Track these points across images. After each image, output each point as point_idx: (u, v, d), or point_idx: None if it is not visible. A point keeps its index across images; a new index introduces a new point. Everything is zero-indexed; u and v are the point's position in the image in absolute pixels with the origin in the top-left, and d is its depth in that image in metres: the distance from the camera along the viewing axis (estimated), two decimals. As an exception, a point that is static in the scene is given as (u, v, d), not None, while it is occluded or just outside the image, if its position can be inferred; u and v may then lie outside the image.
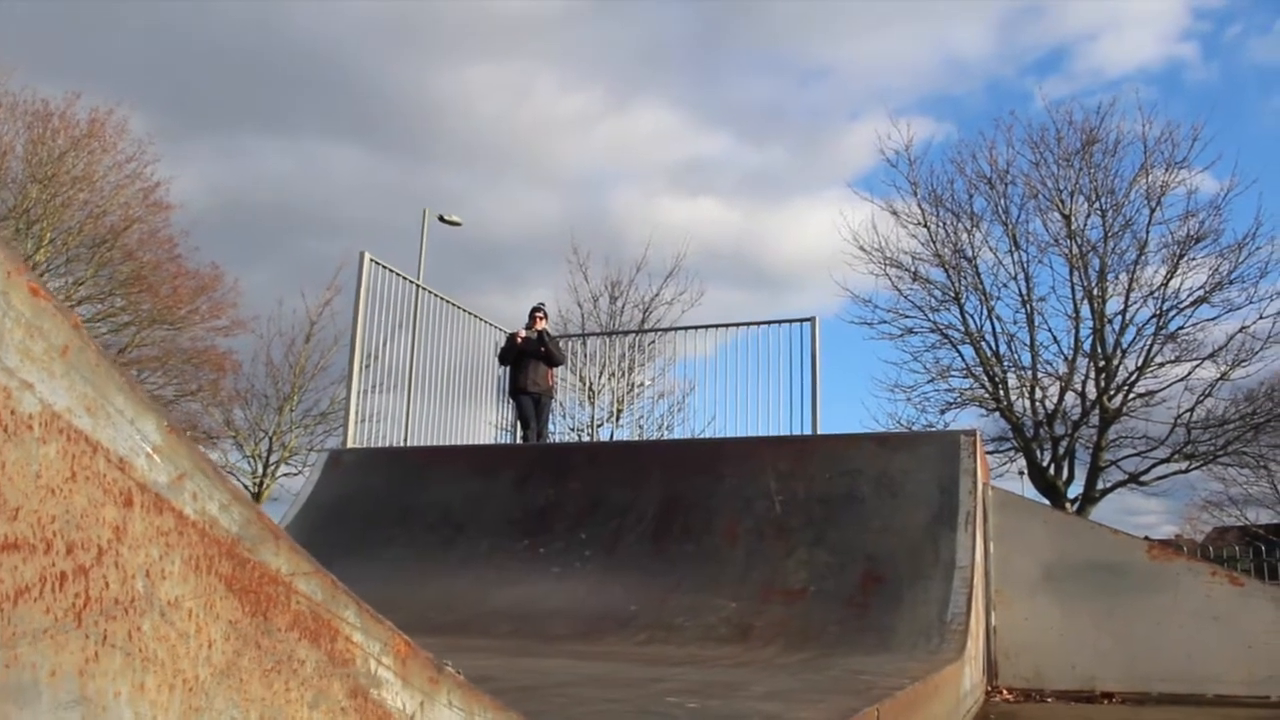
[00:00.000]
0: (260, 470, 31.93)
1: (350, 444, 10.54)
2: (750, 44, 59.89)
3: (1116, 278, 22.40)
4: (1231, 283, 21.40)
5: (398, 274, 11.20)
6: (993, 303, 22.96)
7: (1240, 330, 21.19)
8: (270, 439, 31.84)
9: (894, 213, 23.48)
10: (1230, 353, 21.26)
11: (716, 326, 13.01)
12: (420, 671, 0.94)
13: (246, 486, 32.31)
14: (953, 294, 22.96)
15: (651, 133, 62.97)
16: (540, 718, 2.46)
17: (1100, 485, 22.49)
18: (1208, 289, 21.54)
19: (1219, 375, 21.41)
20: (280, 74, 56.02)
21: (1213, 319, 21.72)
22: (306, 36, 55.62)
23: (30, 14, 35.37)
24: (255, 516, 0.80)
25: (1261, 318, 20.98)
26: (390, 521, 8.62)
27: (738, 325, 12.72)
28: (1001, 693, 7.30)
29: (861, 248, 23.27)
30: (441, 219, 27.85)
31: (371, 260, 10.68)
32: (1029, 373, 22.71)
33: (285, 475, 31.47)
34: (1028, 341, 22.77)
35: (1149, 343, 21.98)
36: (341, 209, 54.10)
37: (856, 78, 59.22)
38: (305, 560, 0.84)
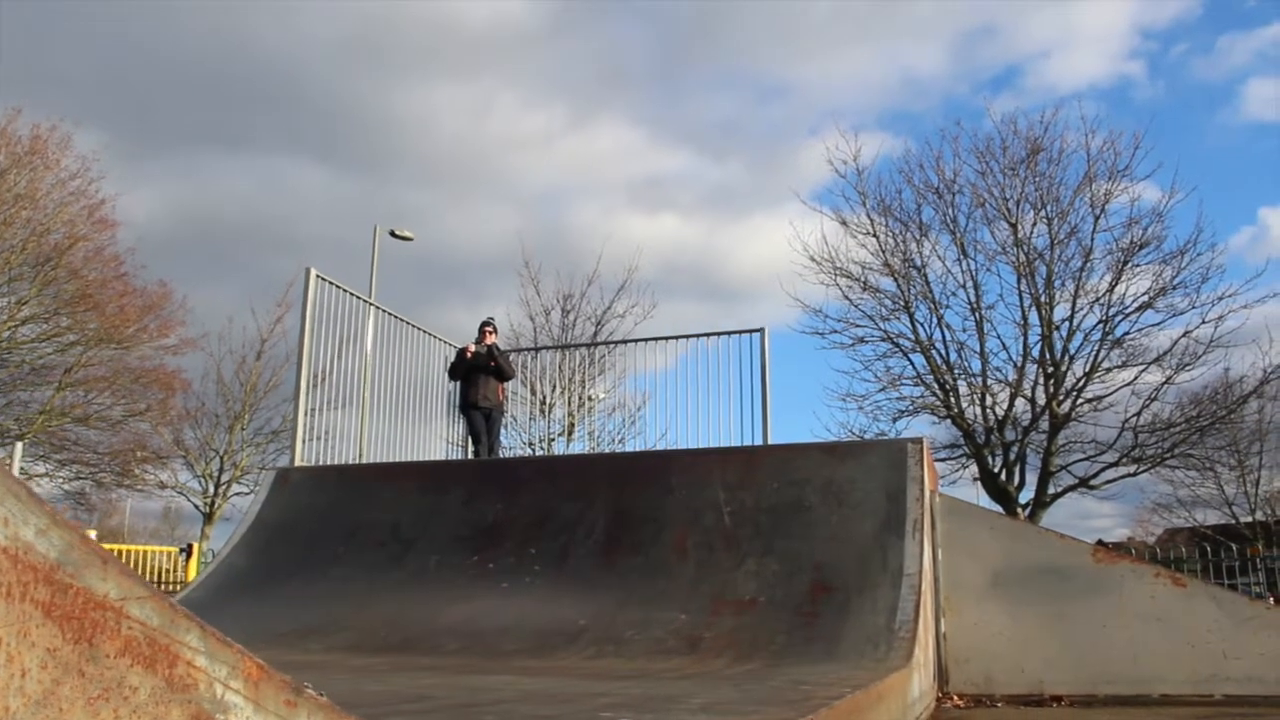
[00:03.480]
0: (211, 490, 31.52)
1: (298, 462, 10.41)
2: (711, 62, 60.45)
3: (1063, 285, 22.72)
4: (1174, 288, 21.78)
5: (346, 290, 11.09)
6: (942, 311, 23.20)
7: (1184, 335, 21.56)
8: (221, 458, 31.45)
9: (843, 223, 23.66)
10: (1174, 357, 21.61)
11: (667, 339, 13.03)
12: (275, 695, 0.92)
13: (197, 506, 31.88)
14: (903, 303, 23.15)
15: (612, 150, 63.34)
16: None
17: (1051, 490, 22.73)
18: (1151, 295, 21.90)
19: (1164, 379, 21.76)
20: (243, 91, 55.84)
21: (1157, 324, 22.10)
22: (271, 54, 55.49)
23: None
24: (79, 541, 0.77)
25: (1204, 322, 21.36)
26: (338, 539, 8.53)
27: (688, 337, 12.74)
28: (952, 699, 7.33)
29: (812, 258, 23.41)
30: (393, 234, 27.68)
31: (318, 276, 10.57)
32: (979, 380, 22.95)
33: (237, 494, 31.13)
34: (977, 349, 23.01)
35: (1096, 348, 22.29)
36: (304, 226, 54.00)
37: (816, 95, 59.97)
38: (139, 585, 0.81)
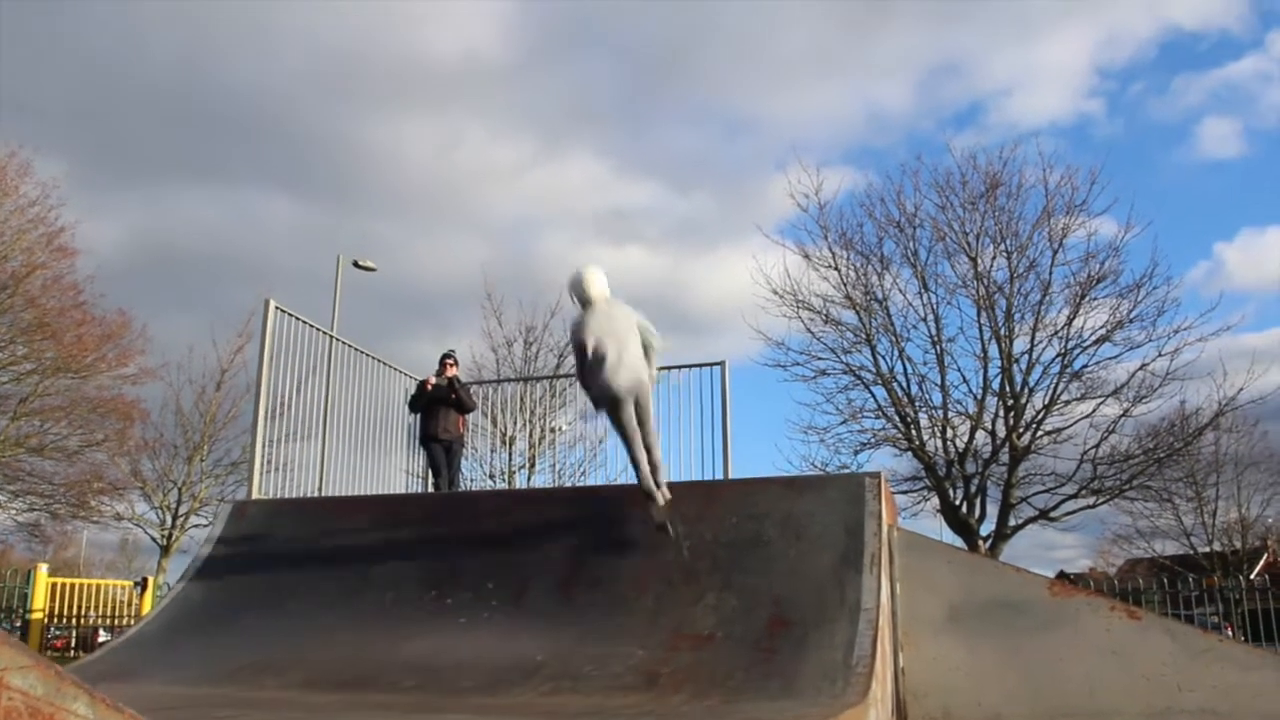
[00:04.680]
0: (169, 522, 31.07)
1: (255, 495, 10.31)
2: (679, 97, 61.04)
3: (1022, 318, 22.92)
4: (1131, 322, 22.01)
5: (305, 322, 11.02)
6: (903, 344, 23.30)
7: (1140, 368, 21.75)
8: (179, 490, 31.03)
9: (806, 256, 23.77)
10: (1132, 390, 21.82)
11: (628, 371, 12.99)
12: (171, 762, 0.90)
13: (155, 539, 31.41)
14: (864, 335, 23.25)
15: (580, 182, 63.83)
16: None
17: (1012, 522, 22.82)
18: (1109, 328, 22.13)
19: (1122, 412, 21.96)
20: (213, 122, 55.74)
21: (1114, 357, 22.30)
22: (241, 85, 55.50)
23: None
24: None
25: (1160, 355, 21.58)
26: (294, 573, 8.44)
27: (650, 369, 12.72)
28: (910, 733, 7.33)
29: (774, 291, 23.48)
30: (356, 265, 27.58)
31: (277, 308, 10.50)
32: (940, 412, 23.05)
33: (196, 526, 30.65)
34: (938, 381, 23.11)
35: (1055, 381, 22.45)
36: (272, 257, 54.01)
37: (783, 130, 60.78)
38: (22, 654, 0.80)
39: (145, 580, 19.33)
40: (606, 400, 7.60)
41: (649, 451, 7.73)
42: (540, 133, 64.10)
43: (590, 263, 8.08)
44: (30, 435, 27.87)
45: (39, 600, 15.90)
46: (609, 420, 7.78)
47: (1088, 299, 22.40)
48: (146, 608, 16.70)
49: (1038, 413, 22.54)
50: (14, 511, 28.75)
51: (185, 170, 57.25)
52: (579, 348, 7.76)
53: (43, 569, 16.92)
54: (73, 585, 18.96)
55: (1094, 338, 22.27)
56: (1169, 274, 22.37)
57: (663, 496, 7.77)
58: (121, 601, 20.82)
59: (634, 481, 7.77)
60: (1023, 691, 7.40)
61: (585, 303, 7.87)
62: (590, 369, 7.66)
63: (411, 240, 59.94)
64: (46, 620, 16.17)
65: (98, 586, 20.90)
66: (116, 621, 19.11)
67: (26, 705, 0.80)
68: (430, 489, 12.07)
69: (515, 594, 7.61)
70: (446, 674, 6.65)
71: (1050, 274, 22.76)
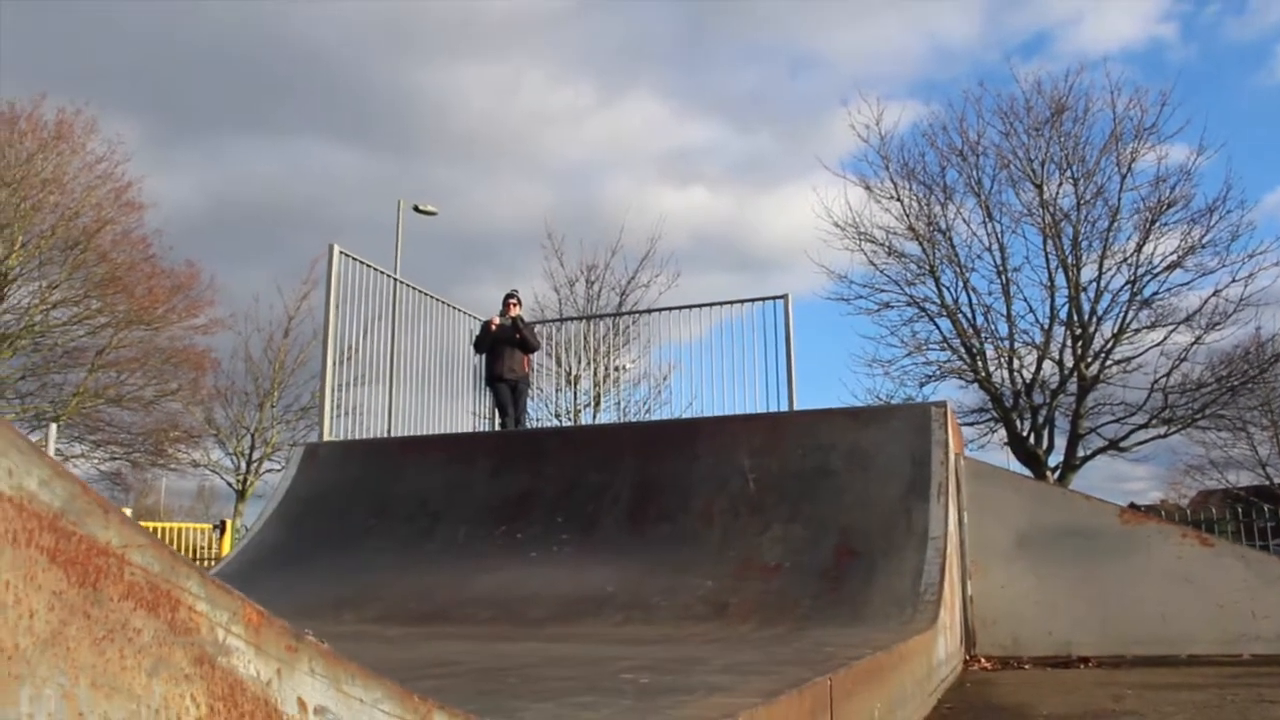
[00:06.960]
0: (244, 467, 31.87)
1: (326, 437, 10.52)
2: (738, 34, 60.16)
3: (1090, 246, 22.53)
4: (1204, 247, 21.56)
5: (369, 266, 11.14)
6: (968, 274, 23.06)
7: (1213, 294, 21.32)
8: (252, 435, 31.78)
9: (867, 188, 23.50)
10: (1204, 317, 21.41)
11: (691, 307, 13.02)
12: (276, 640, 0.95)
13: (230, 484, 32.24)
14: (928, 267, 23.00)
15: (641, 124, 63.37)
16: (489, 696, 2.48)
17: (1081, 452, 22.61)
18: (1180, 254, 21.67)
19: (1194, 339, 21.55)
20: (273, 76, 56.32)
21: (1186, 284, 21.87)
22: (299, 38, 55.82)
23: (21, 26, 35.14)
24: (80, 491, 0.81)
25: (1234, 281, 21.13)
26: (368, 512, 8.62)
27: (712, 305, 12.74)
28: (980, 661, 7.34)
29: (836, 224, 23.28)
30: (417, 209, 27.79)
31: (341, 253, 10.61)
32: (1006, 343, 22.81)
33: (269, 471, 31.43)
34: (1004, 312, 22.86)
35: (1124, 309, 22.13)
36: (335, 206, 54.65)
37: (845, 65, 59.59)
38: (139, 533, 0.84)
39: (224, 523, 19.90)
40: None
41: None
42: (599, 75, 63.77)
43: None
44: (108, 386, 28.64)
45: (124, 544, 16.45)
46: None
47: (1158, 225, 21.95)
48: (226, 549, 17.19)
49: (1106, 342, 22.19)
50: (96, 461, 29.67)
51: (246, 124, 58.09)
52: None
53: (126, 513, 17.46)
54: (155, 530, 19.54)
55: (1164, 264, 21.84)
56: (1243, 198, 21.70)
57: None
58: (202, 545, 21.45)
59: (700, 415, 7.76)
60: (1093, 619, 7.38)
61: None
62: None
63: (473, 185, 60.27)
64: (132, 563, 16.73)
65: (179, 530, 21.55)
66: (198, 564, 19.73)
67: (146, 581, 0.85)
68: (497, 429, 12.22)
69: (585, 528, 7.71)
70: (520, 605, 6.77)
71: (1119, 200, 22.32)
